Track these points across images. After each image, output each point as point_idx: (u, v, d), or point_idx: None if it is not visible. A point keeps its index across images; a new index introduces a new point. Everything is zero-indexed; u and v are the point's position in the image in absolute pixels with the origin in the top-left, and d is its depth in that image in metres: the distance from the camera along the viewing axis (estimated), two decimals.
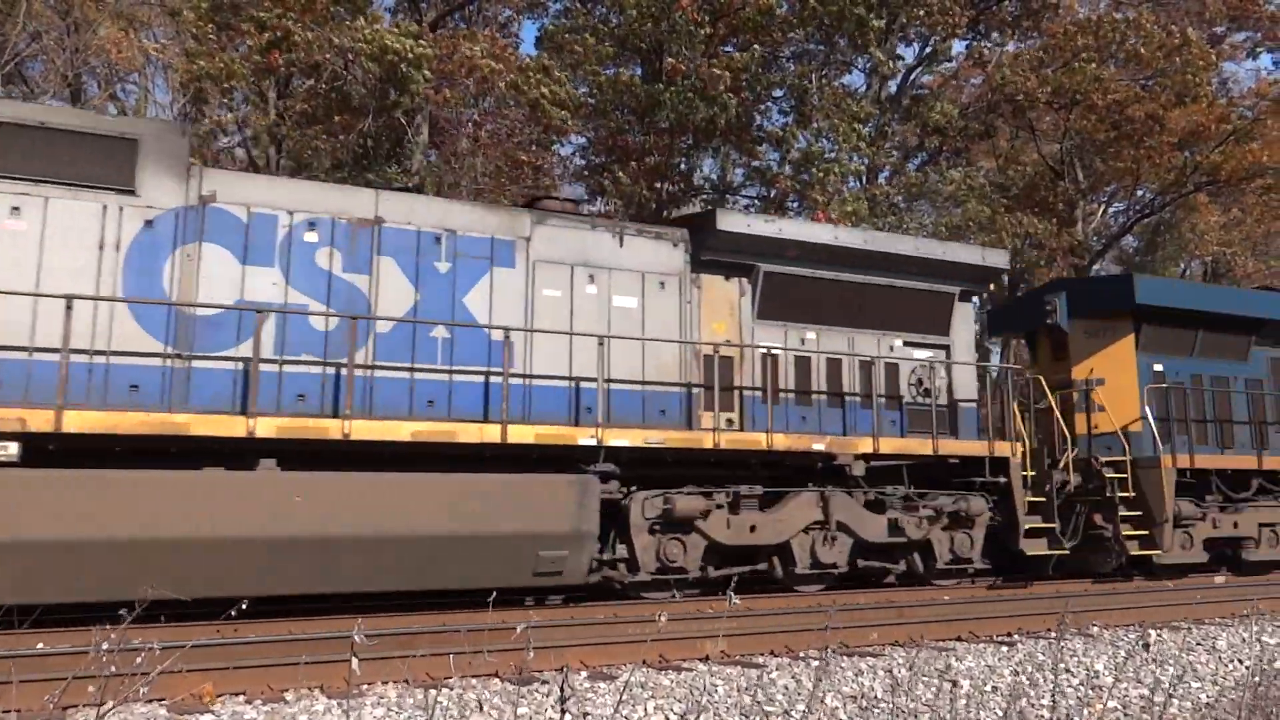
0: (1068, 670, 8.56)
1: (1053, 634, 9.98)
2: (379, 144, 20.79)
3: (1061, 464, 13.29)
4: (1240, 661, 9.27)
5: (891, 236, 13.91)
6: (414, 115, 20.22)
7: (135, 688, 5.28)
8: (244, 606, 8.92)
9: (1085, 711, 7.45)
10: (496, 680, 7.31)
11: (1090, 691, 7.99)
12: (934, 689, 7.73)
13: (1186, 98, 26.05)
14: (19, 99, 24.53)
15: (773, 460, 11.19)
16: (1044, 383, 13.89)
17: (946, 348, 12.83)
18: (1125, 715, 7.47)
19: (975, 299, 13.53)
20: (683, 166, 24.50)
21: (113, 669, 5.12)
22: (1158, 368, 14.42)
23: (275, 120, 20.90)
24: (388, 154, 20.73)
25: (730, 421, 11.19)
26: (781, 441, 10.98)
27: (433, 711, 6.32)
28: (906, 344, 12.54)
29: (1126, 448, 13.64)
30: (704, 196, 25.46)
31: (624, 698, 6.95)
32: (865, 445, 11.48)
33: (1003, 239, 24.57)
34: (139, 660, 5.10)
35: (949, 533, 12.11)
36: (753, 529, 10.97)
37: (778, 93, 24.96)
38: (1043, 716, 7.27)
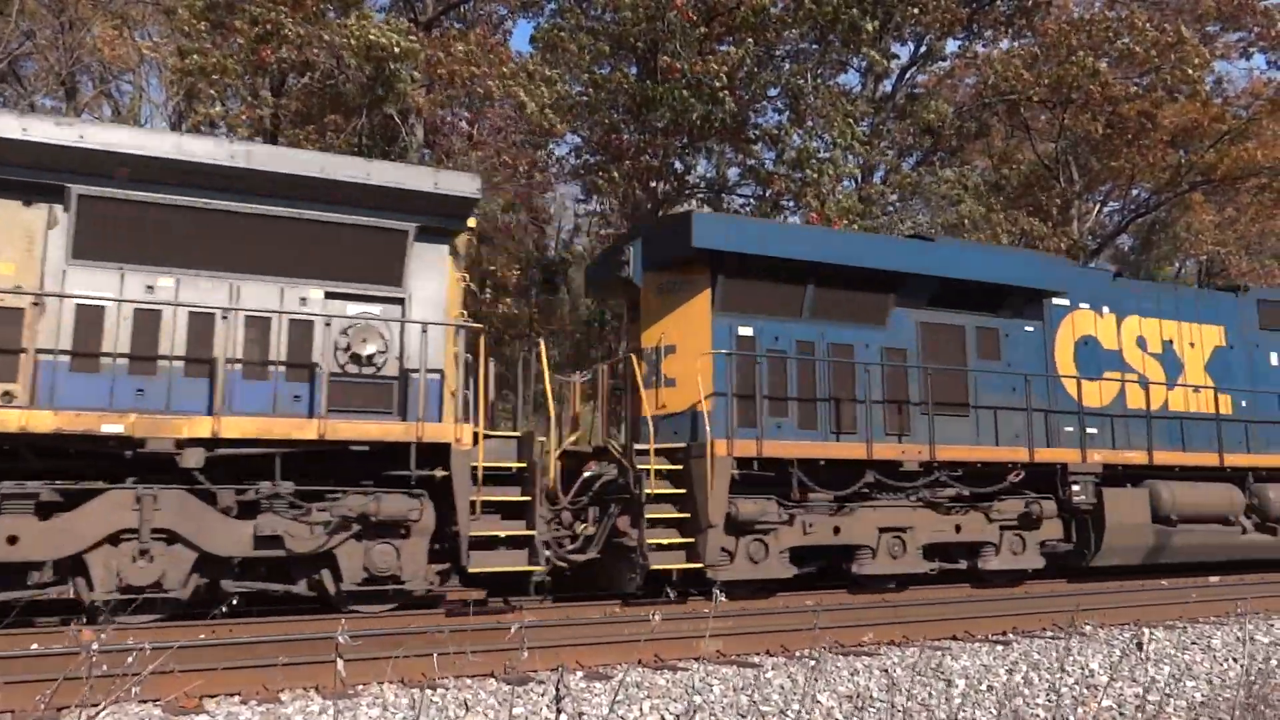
0: (1063, 669, 8.56)
1: (1048, 633, 10.01)
2: (374, 142, 20.76)
3: (556, 454, 10.70)
4: (1235, 660, 9.28)
5: (282, 152, 10.81)
6: (408, 115, 20.20)
7: (127, 687, 5.26)
8: (234, 603, 9.00)
9: (1080, 710, 7.45)
10: (492, 680, 7.30)
11: (1085, 691, 7.99)
12: (929, 688, 7.73)
13: (1179, 94, 26.11)
14: (13, 98, 24.50)
15: (48, 447, 8.51)
16: (544, 351, 11.13)
17: (401, 302, 9.94)
18: (1120, 714, 7.47)
19: (450, 241, 10.28)
20: (677, 166, 24.51)
21: (104, 669, 5.12)
22: (745, 331, 11.38)
23: (266, 116, 20.86)
24: (382, 153, 20.70)
25: (9, 395, 8.53)
26: (47, 422, 8.22)
27: (420, 712, 6.31)
28: (332, 296, 9.68)
29: (651, 433, 10.71)
30: (699, 195, 25.47)
31: (619, 698, 6.93)
32: (201, 427, 8.67)
33: (998, 236, 24.61)
34: (130, 660, 5.09)
35: (366, 543, 9.28)
36: (12, 540, 8.20)
37: (772, 91, 25.00)
38: (1038, 716, 7.27)
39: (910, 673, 7.99)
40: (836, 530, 11.35)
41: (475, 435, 9.65)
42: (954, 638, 9.70)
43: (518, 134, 22.31)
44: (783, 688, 7.56)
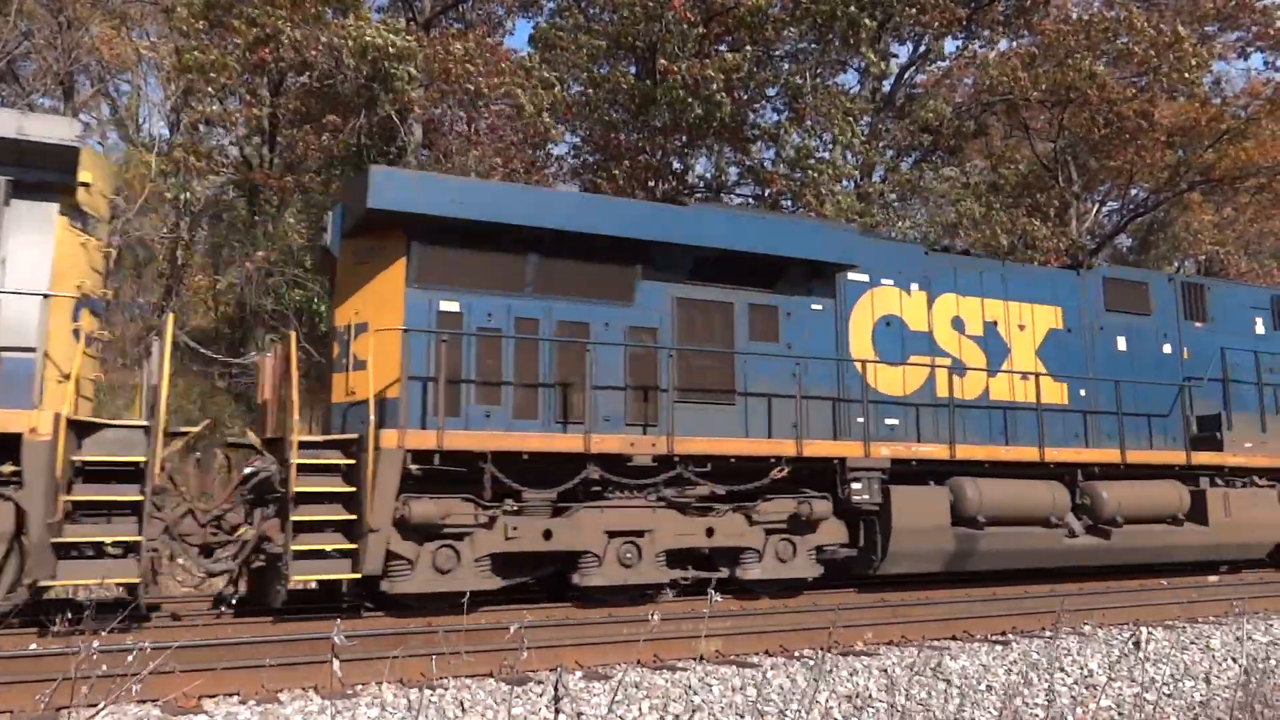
0: (1062, 669, 8.57)
1: (1047, 632, 10.01)
2: (372, 142, 20.77)
3: (166, 449, 8.92)
4: (1233, 660, 9.29)
5: None
6: (406, 114, 20.22)
7: (126, 687, 5.26)
8: (234, 601, 9.00)
9: (1079, 710, 7.46)
10: (491, 680, 7.30)
11: (1084, 690, 7.99)
12: (929, 688, 7.73)
13: (1177, 94, 26.13)
14: (10, 98, 24.48)
15: None
16: (170, 324, 9.14)
17: None
18: (1119, 714, 7.47)
19: (63, 199, 8.73)
20: (676, 165, 24.53)
21: (104, 669, 5.12)
22: (449, 307, 9.94)
23: (264, 115, 20.87)
24: (381, 152, 20.70)
25: None
26: None
27: (419, 712, 6.31)
28: None
29: (294, 423, 9.12)
30: (698, 195, 25.48)
31: (618, 698, 6.93)
32: None
33: (997, 235, 24.64)
34: (130, 660, 5.09)
35: None
36: None
37: (771, 91, 25.01)
38: (1037, 715, 7.27)
39: (909, 673, 7.99)
40: (548, 535, 9.75)
41: (77, 425, 8.19)
42: (953, 638, 9.71)
43: (515, 134, 22.32)
44: (782, 688, 7.56)
